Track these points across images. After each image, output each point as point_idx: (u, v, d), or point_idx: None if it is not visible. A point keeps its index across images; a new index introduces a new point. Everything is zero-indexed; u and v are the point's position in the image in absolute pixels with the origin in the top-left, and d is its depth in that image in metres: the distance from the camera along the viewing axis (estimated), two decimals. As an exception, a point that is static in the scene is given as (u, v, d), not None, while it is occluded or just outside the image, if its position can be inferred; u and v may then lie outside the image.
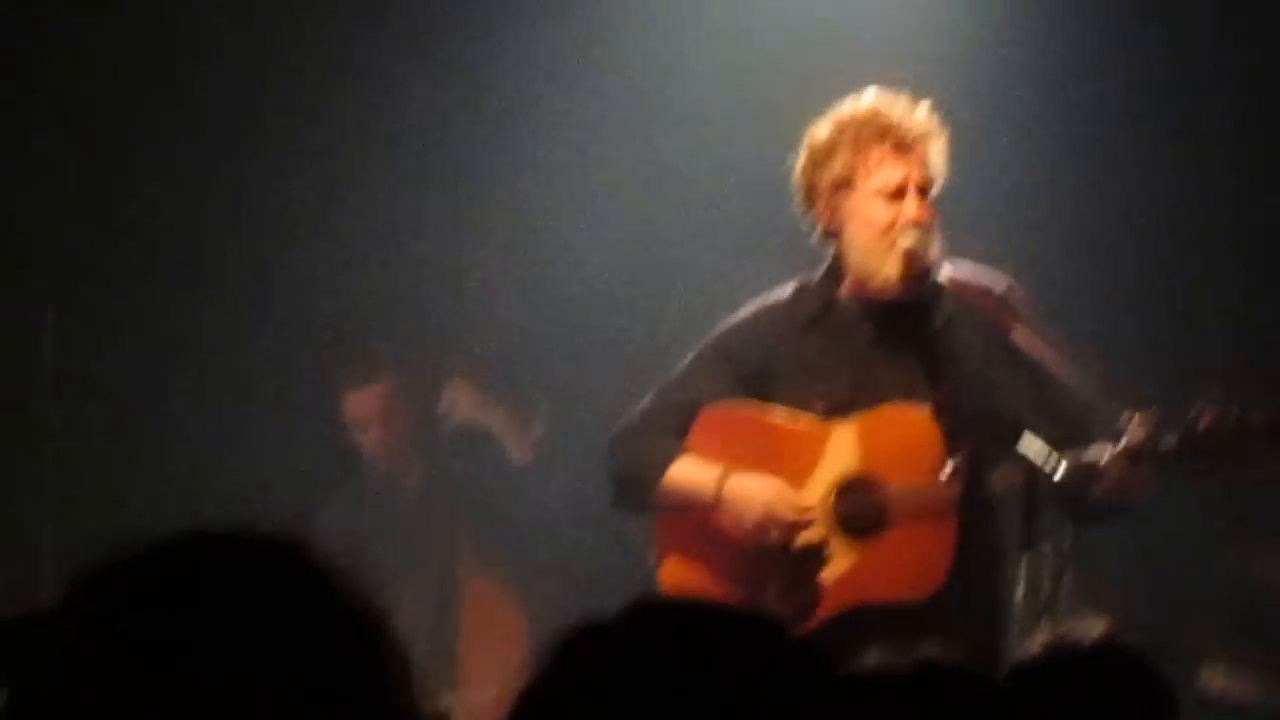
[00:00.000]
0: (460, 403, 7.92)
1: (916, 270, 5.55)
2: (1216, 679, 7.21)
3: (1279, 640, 7.35)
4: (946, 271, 5.61)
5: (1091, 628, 4.06)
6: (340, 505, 7.79)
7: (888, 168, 5.60)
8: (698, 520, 5.71)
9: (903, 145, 5.63)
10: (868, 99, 5.67)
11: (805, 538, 5.68)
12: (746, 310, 5.86)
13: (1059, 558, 5.59)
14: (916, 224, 5.56)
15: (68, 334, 8.13)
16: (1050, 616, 5.50)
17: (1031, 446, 5.47)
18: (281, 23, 8.22)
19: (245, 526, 1.97)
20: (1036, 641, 3.84)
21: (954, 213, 5.81)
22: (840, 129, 5.62)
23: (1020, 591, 5.67)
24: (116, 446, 7.89)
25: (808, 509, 5.71)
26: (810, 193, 5.65)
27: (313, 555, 1.96)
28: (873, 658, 4.98)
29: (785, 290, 5.82)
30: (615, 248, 7.76)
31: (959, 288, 5.64)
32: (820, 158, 5.65)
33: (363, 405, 7.76)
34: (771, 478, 5.71)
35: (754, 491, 5.67)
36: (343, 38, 8.13)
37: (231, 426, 7.92)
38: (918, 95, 5.72)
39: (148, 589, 1.95)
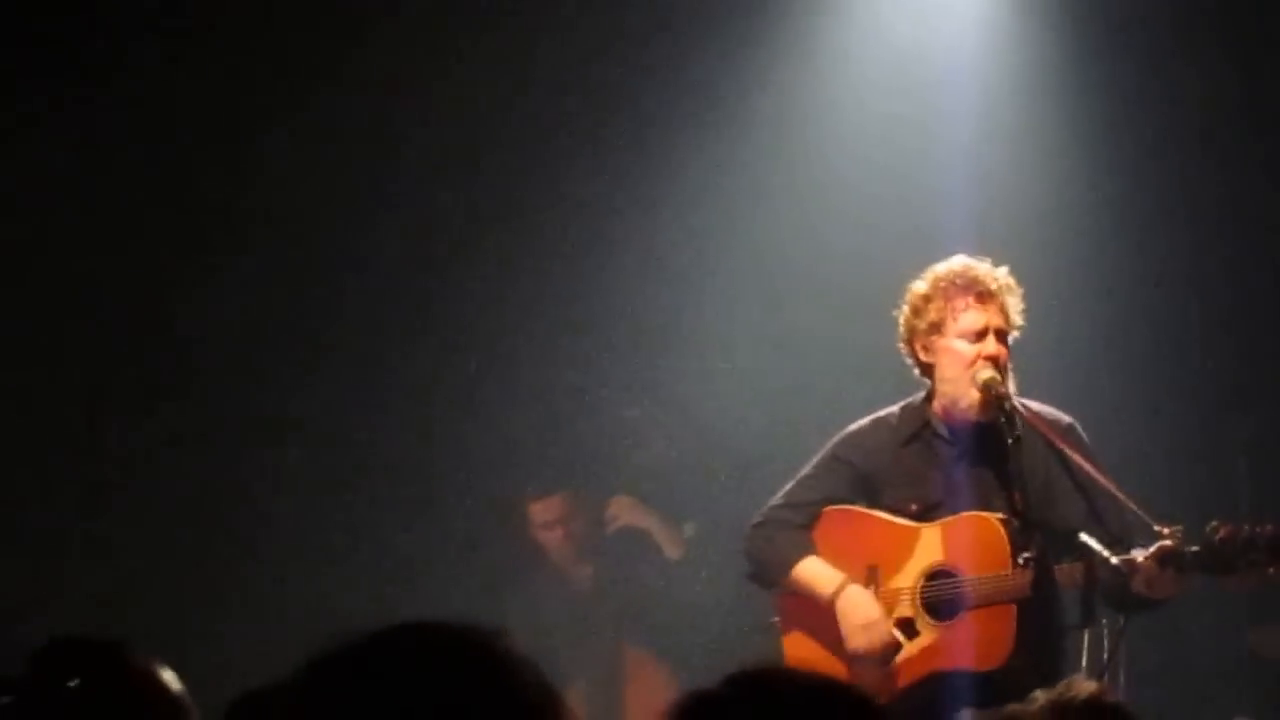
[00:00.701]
0: (623, 511, 8.23)
1: (992, 399, 5.81)
2: None
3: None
4: (1020, 403, 5.90)
5: (1083, 687, 4.17)
6: (526, 593, 8.17)
7: (971, 314, 5.88)
8: (817, 607, 6.06)
9: (984, 296, 5.87)
10: (957, 260, 5.96)
11: (897, 614, 5.99)
12: (862, 423, 6.15)
13: (1115, 634, 5.79)
14: (993, 361, 5.83)
15: (298, 464, 8.44)
16: (1112, 680, 5.72)
17: (1090, 540, 5.70)
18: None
19: (448, 623, 2.17)
20: (1040, 699, 4.05)
21: (1025, 359, 6.07)
22: (935, 283, 5.91)
23: (1085, 660, 5.78)
24: (343, 560, 8.22)
25: (891, 636, 5.98)
26: (910, 334, 5.96)
27: (504, 644, 2.16)
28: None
29: (894, 409, 6.11)
30: (746, 384, 8.17)
31: (1030, 417, 5.91)
32: (919, 306, 5.93)
33: (545, 511, 8.13)
34: (874, 606, 6.00)
35: (858, 609, 5.99)
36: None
37: (447, 534, 8.27)
38: (997, 262, 5.98)
39: (370, 669, 2.14)
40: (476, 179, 8.46)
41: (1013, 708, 3.78)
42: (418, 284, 8.45)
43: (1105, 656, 5.78)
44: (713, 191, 8.30)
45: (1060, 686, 4.09)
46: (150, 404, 8.48)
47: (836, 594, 6.00)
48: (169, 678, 3.19)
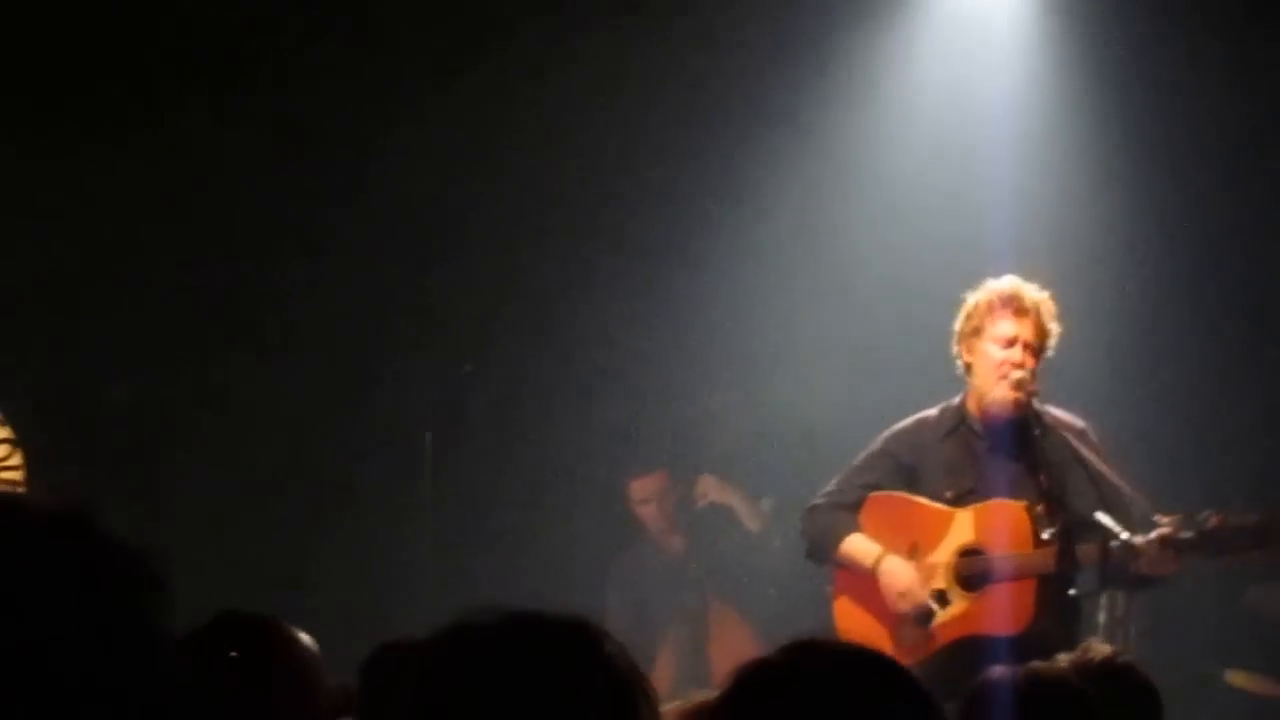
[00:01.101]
0: (710, 489, 8.44)
1: (1018, 400, 6.05)
2: (1238, 679, 7.60)
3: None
4: (1043, 406, 6.15)
5: (1098, 649, 4.32)
6: (627, 562, 8.53)
7: (1006, 324, 6.09)
8: (864, 578, 6.31)
9: (1020, 311, 6.08)
10: (1006, 279, 6.18)
11: (933, 585, 6.20)
12: (906, 422, 6.40)
13: (1124, 604, 6.24)
14: (1019, 367, 6.06)
15: (440, 455, 8.48)
16: (1124, 640, 6.07)
17: (1105, 518, 5.92)
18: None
19: (562, 617, 2.25)
20: (1064, 659, 4.22)
21: (1060, 357, 6.26)
22: (982, 295, 6.16)
23: (1102, 622, 6.21)
24: (476, 534, 8.57)
25: (920, 595, 6.19)
26: (959, 336, 6.20)
27: (598, 631, 2.27)
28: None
29: (935, 409, 6.36)
30: (816, 378, 8.42)
31: (1051, 418, 6.14)
32: (968, 313, 6.17)
33: (642, 490, 8.45)
34: (910, 568, 6.23)
35: (896, 577, 6.22)
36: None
37: (560, 509, 8.62)
38: (1042, 286, 6.18)
39: (490, 645, 2.22)
40: (585, 198, 8.70)
41: (1036, 665, 3.85)
42: (551, 305, 8.69)
43: (1116, 623, 6.16)
44: (788, 209, 8.53)
45: (1079, 650, 4.30)
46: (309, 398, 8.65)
47: (876, 564, 6.24)
48: (309, 641, 3.49)
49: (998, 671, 3.67)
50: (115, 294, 8.63)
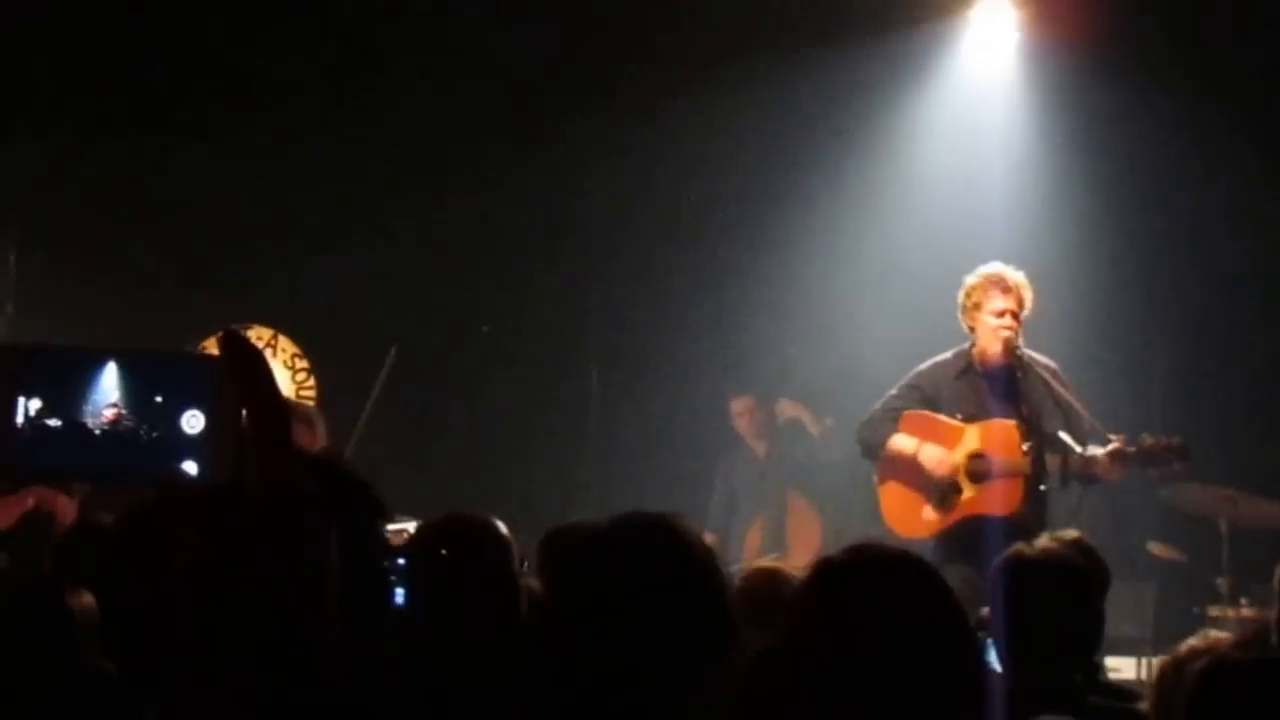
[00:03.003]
0: (788, 408, 8.60)
1: (1008, 351, 6.26)
2: (1155, 548, 7.67)
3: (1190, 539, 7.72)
4: (1025, 352, 6.30)
5: (1069, 533, 4.31)
6: (728, 461, 8.63)
7: (997, 298, 6.28)
8: (902, 465, 6.38)
9: (1007, 289, 6.28)
10: (994, 265, 6.35)
11: (949, 477, 6.27)
12: (929, 363, 6.53)
13: (1080, 496, 6.08)
14: (1009, 329, 6.25)
15: (605, 389, 8.72)
16: (1078, 522, 5.54)
17: (1065, 436, 6.10)
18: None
19: (660, 515, 2.32)
20: (1044, 539, 4.09)
21: (1039, 325, 6.44)
22: (979, 278, 6.32)
23: (1063, 509, 6.07)
24: (635, 456, 8.71)
25: (954, 464, 6.26)
26: (963, 309, 6.38)
27: (681, 524, 2.32)
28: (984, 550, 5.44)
29: (949, 354, 6.50)
30: (867, 326, 8.51)
31: (1031, 360, 6.30)
32: (969, 291, 6.36)
33: (738, 407, 8.62)
34: (939, 448, 6.31)
35: (934, 455, 6.33)
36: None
37: (684, 425, 8.82)
38: (1019, 269, 6.32)
39: (626, 542, 2.28)
40: (726, 211, 8.85)
41: (1020, 546, 3.75)
42: (687, 286, 8.84)
43: (1072, 510, 5.98)
44: (852, 221, 8.60)
45: (1055, 532, 4.31)
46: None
47: (917, 450, 6.36)
48: (502, 528, 3.34)
49: (1017, 549, 3.65)
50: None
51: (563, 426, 8.79)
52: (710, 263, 8.84)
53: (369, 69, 8.31)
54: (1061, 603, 3.41)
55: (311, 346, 8.45)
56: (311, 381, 8.16)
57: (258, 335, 8.12)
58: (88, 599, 3.06)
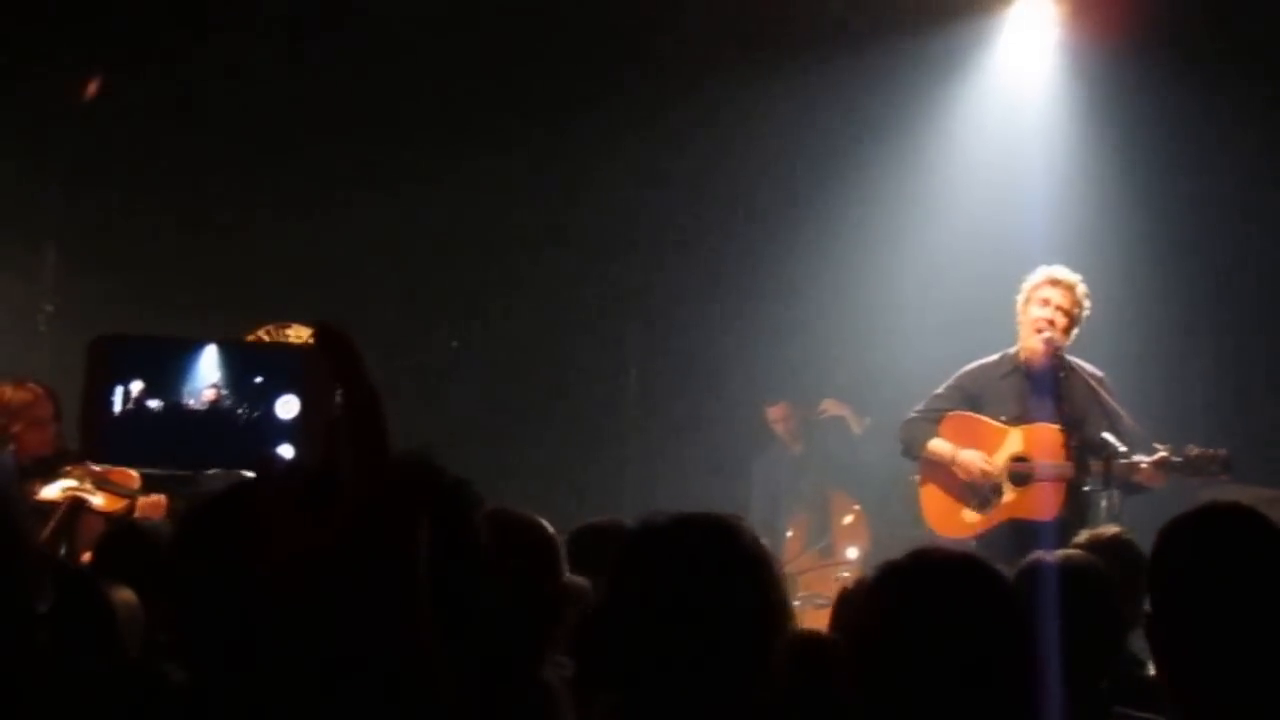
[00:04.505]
0: (831, 407, 8.70)
1: (1049, 350, 6.22)
2: None
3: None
4: (1072, 359, 6.28)
5: (1109, 529, 4.45)
6: (765, 460, 8.77)
7: (1045, 291, 6.26)
8: (942, 468, 6.37)
9: (1056, 283, 6.25)
10: (1053, 268, 6.31)
11: (991, 482, 6.23)
12: (974, 364, 6.52)
13: (1120, 500, 5.98)
14: (1050, 324, 6.21)
15: (643, 385, 8.83)
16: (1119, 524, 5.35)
17: (1109, 438, 6.01)
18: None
19: (719, 515, 2.32)
20: (1084, 536, 4.37)
21: (1087, 332, 6.38)
22: (1038, 276, 6.29)
23: (1104, 510, 6.00)
24: (670, 449, 8.81)
25: (992, 471, 6.21)
26: (1020, 306, 6.32)
27: (739, 523, 2.32)
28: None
29: (995, 356, 6.49)
30: (908, 326, 8.45)
31: (1076, 365, 6.28)
32: (1024, 289, 6.32)
33: (775, 412, 8.76)
34: (977, 453, 6.27)
35: (970, 459, 6.32)
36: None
37: (721, 425, 8.86)
38: (1079, 272, 6.30)
39: (667, 532, 2.27)
40: (769, 212, 8.85)
41: (1068, 551, 3.84)
42: (743, 295, 8.88)
43: (1114, 513, 5.91)
44: (892, 226, 8.62)
45: (1095, 530, 4.45)
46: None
47: (954, 456, 6.33)
48: (544, 523, 3.28)
49: (1040, 554, 3.67)
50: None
51: (601, 425, 8.83)
52: (751, 264, 8.85)
53: (380, 62, 8.27)
54: (1082, 606, 3.37)
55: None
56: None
57: (297, 334, 8.08)
58: (127, 594, 3.05)
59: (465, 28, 8.30)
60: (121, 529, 4.43)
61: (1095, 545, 4.09)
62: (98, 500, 5.80)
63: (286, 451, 1.26)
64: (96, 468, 5.61)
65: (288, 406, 1.26)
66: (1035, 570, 3.57)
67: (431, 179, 8.42)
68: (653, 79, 8.40)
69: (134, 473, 5.64)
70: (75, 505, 5.75)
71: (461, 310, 8.61)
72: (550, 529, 3.25)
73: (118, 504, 5.78)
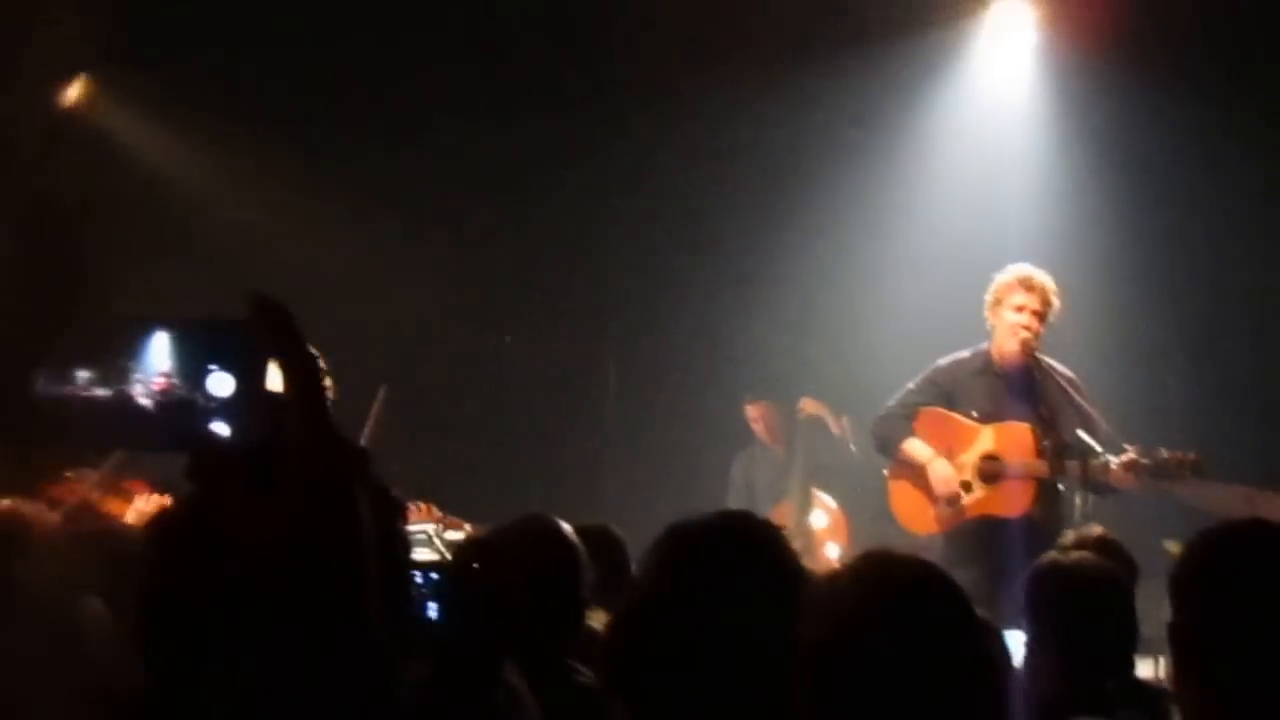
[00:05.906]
0: (808, 406, 8.59)
1: (1025, 352, 6.26)
2: (1173, 546, 6.77)
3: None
4: (1045, 359, 6.29)
5: (1093, 529, 4.57)
6: (744, 458, 8.70)
7: (1018, 295, 6.28)
8: (913, 468, 6.42)
9: (1029, 286, 6.28)
10: (1023, 266, 6.35)
11: (961, 478, 6.23)
12: (948, 359, 6.56)
13: (1093, 500, 5.96)
14: (1026, 329, 6.25)
15: (622, 382, 8.79)
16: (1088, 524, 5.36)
17: (1085, 435, 6.02)
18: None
19: (749, 518, 2.32)
20: (1070, 536, 4.51)
21: (1060, 330, 6.40)
22: (1007, 276, 6.31)
23: (1078, 513, 5.98)
24: (650, 448, 8.76)
25: (958, 490, 6.21)
26: (989, 306, 6.37)
27: (777, 528, 2.33)
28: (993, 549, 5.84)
29: (968, 352, 6.53)
30: (884, 326, 8.41)
31: (1049, 366, 6.29)
32: (994, 289, 6.35)
33: (753, 411, 8.74)
34: (952, 471, 6.25)
35: (943, 473, 6.32)
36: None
37: (708, 422, 8.82)
38: (1047, 271, 6.34)
39: (706, 538, 2.25)
40: (745, 212, 8.83)
41: (1054, 555, 3.81)
42: (717, 295, 8.89)
43: (1086, 512, 5.88)
44: (861, 218, 8.64)
45: (1080, 530, 4.54)
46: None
47: (929, 462, 6.38)
48: (568, 529, 3.36)
49: (1051, 558, 3.70)
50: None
51: (581, 424, 8.78)
52: (731, 264, 8.82)
53: (398, 81, 8.27)
54: (1102, 611, 3.41)
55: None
56: (328, 382, 7.91)
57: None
58: (98, 606, 2.77)
59: (466, 24, 8.23)
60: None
61: (1084, 547, 4.09)
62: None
63: (221, 429, 1.19)
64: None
65: (221, 383, 1.19)
66: (1053, 573, 3.56)
67: (419, 177, 8.39)
68: (622, 83, 8.33)
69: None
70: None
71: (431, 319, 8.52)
72: (574, 539, 3.25)
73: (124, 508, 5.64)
